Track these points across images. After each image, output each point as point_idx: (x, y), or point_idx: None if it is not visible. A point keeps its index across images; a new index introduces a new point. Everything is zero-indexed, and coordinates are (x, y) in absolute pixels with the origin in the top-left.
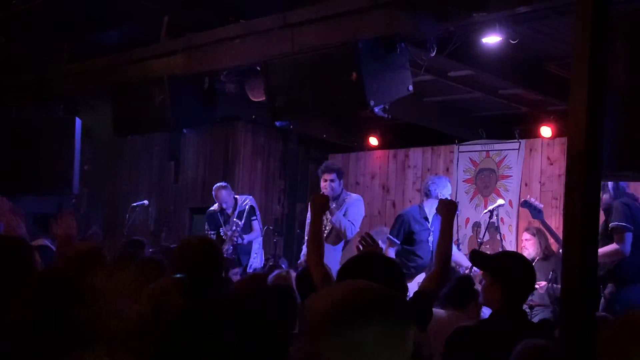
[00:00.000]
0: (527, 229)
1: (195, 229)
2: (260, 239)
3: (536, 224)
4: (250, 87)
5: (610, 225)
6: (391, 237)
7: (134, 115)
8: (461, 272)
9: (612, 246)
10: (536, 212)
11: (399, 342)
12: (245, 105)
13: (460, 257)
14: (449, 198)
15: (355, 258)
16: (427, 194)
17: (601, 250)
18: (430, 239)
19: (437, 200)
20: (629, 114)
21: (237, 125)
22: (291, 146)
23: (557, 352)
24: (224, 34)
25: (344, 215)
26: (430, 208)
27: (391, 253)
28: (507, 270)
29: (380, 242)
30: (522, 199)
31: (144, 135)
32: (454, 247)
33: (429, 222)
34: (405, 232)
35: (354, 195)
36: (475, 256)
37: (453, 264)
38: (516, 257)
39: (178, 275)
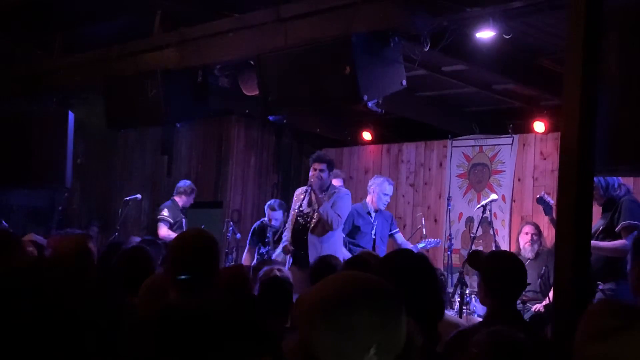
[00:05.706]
0: (529, 223)
1: (189, 223)
2: None
3: (528, 218)
4: (243, 81)
5: (622, 223)
6: None
7: (126, 109)
8: None
9: (621, 242)
10: (549, 209)
11: (391, 329)
12: (238, 100)
13: (406, 246)
14: (389, 194)
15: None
16: (369, 192)
17: (611, 244)
18: (373, 231)
19: (378, 197)
20: (622, 107)
21: (231, 120)
22: (284, 140)
23: (524, 343)
24: (217, 28)
25: (331, 207)
26: (372, 204)
27: None
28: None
29: None
30: (538, 195)
31: (137, 129)
32: (402, 237)
33: (371, 217)
34: (350, 226)
35: (343, 189)
36: (473, 258)
37: None
38: (502, 258)
39: (182, 277)
